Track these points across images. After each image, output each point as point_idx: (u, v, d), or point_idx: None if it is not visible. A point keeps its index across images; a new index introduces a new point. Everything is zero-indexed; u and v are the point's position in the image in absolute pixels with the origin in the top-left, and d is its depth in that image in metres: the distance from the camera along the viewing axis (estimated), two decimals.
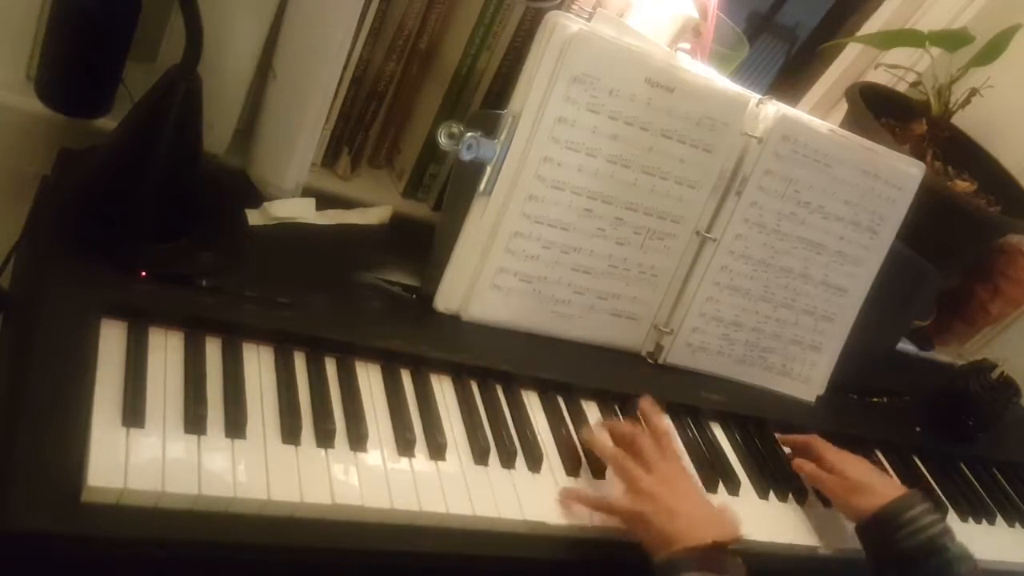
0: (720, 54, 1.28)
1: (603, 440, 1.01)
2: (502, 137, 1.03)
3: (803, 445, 1.17)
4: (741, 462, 1.15)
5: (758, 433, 1.21)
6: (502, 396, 1.04)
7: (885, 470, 1.29)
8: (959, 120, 1.52)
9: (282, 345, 0.94)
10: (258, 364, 0.92)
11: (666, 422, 1.06)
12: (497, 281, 1.08)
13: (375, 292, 1.06)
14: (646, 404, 1.06)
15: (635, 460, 0.98)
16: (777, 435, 1.21)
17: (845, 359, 1.29)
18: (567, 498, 0.96)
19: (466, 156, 1.02)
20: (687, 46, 1.21)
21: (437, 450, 0.93)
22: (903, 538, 1.02)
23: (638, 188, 1.11)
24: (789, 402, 1.28)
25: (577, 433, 1.04)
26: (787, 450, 1.20)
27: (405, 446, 0.92)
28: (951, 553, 1.01)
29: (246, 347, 0.92)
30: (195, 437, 0.82)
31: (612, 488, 1.01)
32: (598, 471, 1.01)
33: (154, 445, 0.79)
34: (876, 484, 1.09)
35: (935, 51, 1.47)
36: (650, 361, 1.21)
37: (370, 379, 0.97)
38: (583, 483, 1.00)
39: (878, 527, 1.04)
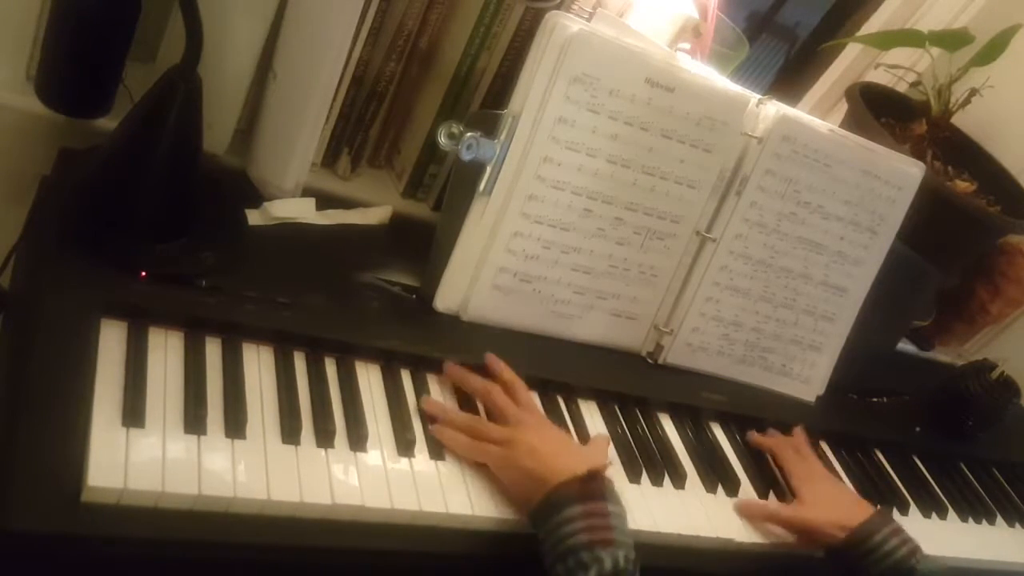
0: (720, 54, 1.28)
1: (448, 410, 0.97)
2: (502, 137, 1.03)
3: (769, 449, 1.16)
4: (741, 462, 1.15)
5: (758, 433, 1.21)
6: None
7: (885, 470, 1.29)
8: (959, 120, 1.52)
9: (282, 345, 0.94)
10: (258, 364, 0.92)
11: (511, 373, 1.02)
12: (497, 281, 1.08)
13: (375, 292, 1.06)
14: (490, 359, 1.03)
15: (489, 416, 0.98)
16: (751, 435, 1.17)
17: (845, 359, 1.29)
18: (440, 431, 0.94)
19: (466, 156, 1.02)
20: (687, 46, 1.21)
21: (437, 450, 0.93)
22: (870, 565, 1.01)
23: (638, 188, 1.11)
24: (789, 402, 1.28)
25: (422, 405, 0.98)
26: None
27: (405, 446, 0.92)
28: (919, 573, 1.00)
29: (246, 347, 0.92)
30: (195, 437, 0.82)
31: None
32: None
33: (154, 445, 0.79)
34: (838, 512, 1.05)
35: (935, 51, 1.47)
36: (650, 361, 1.21)
37: (370, 379, 0.97)
38: None
39: (845, 555, 1.02)
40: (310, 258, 1.07)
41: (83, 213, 0.94)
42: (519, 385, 1.01)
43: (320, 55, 1.02)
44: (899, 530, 1.03)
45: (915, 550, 1.01)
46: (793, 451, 1.15)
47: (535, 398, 1.06)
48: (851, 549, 1.02)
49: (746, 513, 1.07)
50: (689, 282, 1.18)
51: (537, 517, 0.87)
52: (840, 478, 1.21)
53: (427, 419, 0.96)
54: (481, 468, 0.94)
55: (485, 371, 1.03)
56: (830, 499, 1.08)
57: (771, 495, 1.12)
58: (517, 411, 0.97)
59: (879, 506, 1.10)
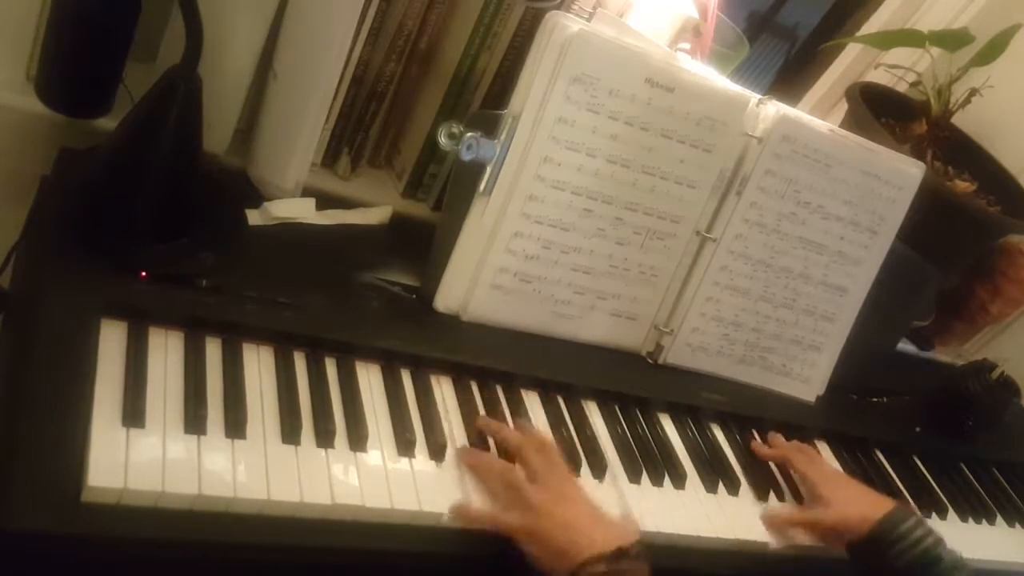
0: (720, 54, 1.28)
1: (486, 456, 0.95)
2: (502, 137, 1.03)
3: (779, 460, 1.16)
4: (740, 462, 1.15)
5: (758, 433, 1.21)
6: (502, 396, 1.04)
7: (885, 470, 1.29)
8: (959, 120, 1.52)
9: (282, 345, 0.94)
10: (258, 364, 0.92)
11: (545, 437, 0.99)
12: (497, 281, 1.08)
13: (375, 292, 1.06)
14: (520, 426, 1.00)
15: (523, 472, 0.93)
16: (755, 445, 1.17)
17: (845, 359, 1.29)
18: (458, 512, 0.90)
19: (466, 156, 1.02)
20: (687, 46, 1.21)
21: (437, 450, 0.93)
22: (896, 556, 1.00)
23: (638, 188, 1.11)
24: (789, 402, 1.28)
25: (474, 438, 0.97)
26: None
27: (405, 446, 0.92)
28: (945, 563, 1.00)
29: (246, 347, 0.92)
30: (195, 437, 0.82)
31: (609, 489, 1.01)
32: (599, 470, 1.01)
33: (154, 445, 0.79)
34: (861, 507, 1.05)
35: (935, 51, 1.47)
36: (650, 361, 1.21)
37: (370, 379, 0.97)
38: (584, 483, 0.99)
39: (870, 547, 1.02)
40: (310, 258, 1.07)
41: (83, 213, 0.94)
42: (554, 449, 0.97)
43: (320, 55, 1.02)
44: (922, 521, 1.03)
45: (940, 540, 1.01)
46: (802, 455, 1.16)
47: (537, 399, 1.07)
48: (877, 541, 1.01)
49: (775, 523, 1.08)
50: (689, 282, 1.18)
51: None
52: None
53: (475, 439, 0.96)
54: None
55: (484, 372, 1.03)
56: (851, 497, 1.08)
57: (771, 496, 1.12)
58: (553, 476, 0.92)
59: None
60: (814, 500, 1.09)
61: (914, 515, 1.04)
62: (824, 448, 1.26)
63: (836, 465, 1.24)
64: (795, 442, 1.19)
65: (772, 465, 1.17)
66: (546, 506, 0.89)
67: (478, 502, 0.91)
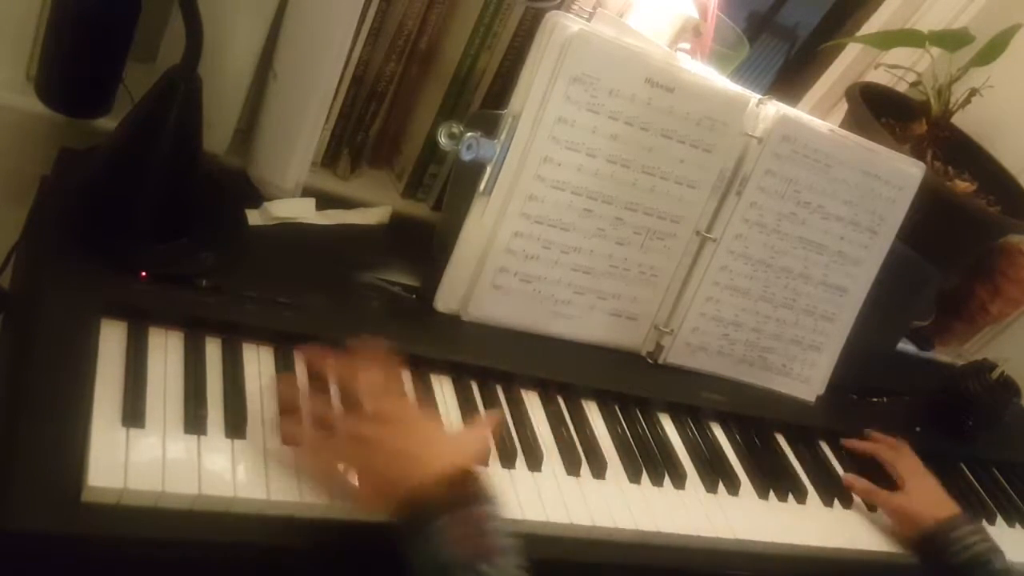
0: (720, 54, 1.28)
1: (301, 395, 0.88)
2: (502, 137, 1.03)
3: (871, 453, 1.24)
4: (741, 462, 1.15)
5: (758, 433, 1.21)
6: (502, 396, 1.04)
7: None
8: (959, 120, 1.52)
9: (282, 345, 0.94)
10: (258, 364, 0.92)
11: (378, 351, 0.91)
12: (497, 281, 1.08)
13: (375, 292, 1.06)
14: (353, 342, 0.91)
15: (350, 405, 0.87)
16: (845, 440, 1.26)
17: (845, 359, 1.29)
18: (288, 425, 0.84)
19: (466, 156, 1.02)
20: (687, 46, 1.21)
21: None
22: (950, 556, 1.08)
23: (638, 188, 1.11)
24: (789, 402, 1.28)
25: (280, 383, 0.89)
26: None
27: None
28: (995, 568, 1.06)
29: (246, 347, 0.92)
30: (195, 437, 0.82)
31: (610, 488, 1.01)
32: (599, 471, 1.01)
33: (154, 445, 0.79)
34: (933, 504, 1.14)
35: (935, 51, 1.47)
36: (650, 361, 1.21)
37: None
38: (584, 483, 1.00)
39: (929, 546, 1.10)
40: (310, 258, 1.07)
41: (83, 213, 0.94)
42: (386, 365, 0.90)
43: (320, 55, 1.02)
44: (982, 530, 1.11)
45: (994, 549, 1.09)
46: (893, 449, 1.24)
47: (537, 399, 1.07)
48: (937, 538, 1.09)
49: (855, 488, 1.18)
50: (689, 282, 1.18)
51: (401, 533, 0.77)
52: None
53: (281, 406, 0.86)
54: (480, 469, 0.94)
55: (484, 372, 1.03)
56: (929, 493, 1.17)
57: (771, 495, 1.12)
58: (382, 400, 0.86)
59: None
60: (898, 486, 1.18)
61: (974, 523, 1.12)
62: (825, 448, 1.26)
63: (837, 466, 1.24)
64: (889, 438, 1.26)
65: (771, 465, 1.17)
66: (379, 438, 0.82)
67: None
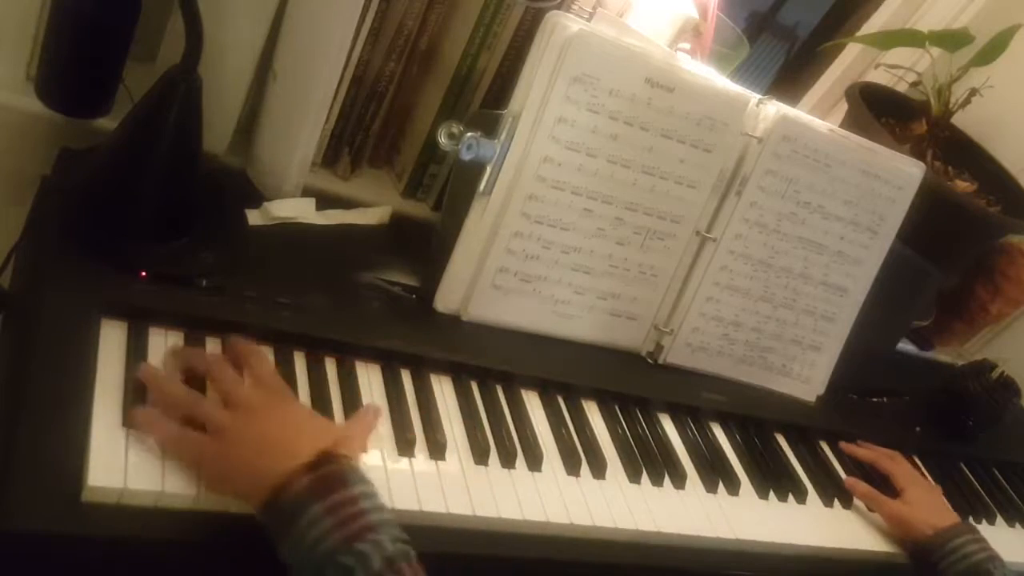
0: (720, 54, 1.28)
1: (164, 381, 0.81)
2: (502, 137, 1.03)
3: (870, 461, 1.24)
4: (741, 462, 1.15)
5: (758, 433, 1.21)
6: (502, 396, 1.04)
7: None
8: (959, 120, 1.52)
9: (282, 345, 0.94)
10: None
11: (249, 344, 0.86)
12: (497, 281, 1.08)
13: (375, 292, 1.06)
14: (233, 340, 0.86)
15: (214, 397, 0.80)
16: (842, 444, 1.26)
17: (845, 359, 1.29)
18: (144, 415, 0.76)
19: (466, 156, 1.02)
20: (687, 46, 1.21)
21: (437, 450, 0.93)
22: (950, 565, 1.07)
23: (638, 188, 1.11)
24: (789, 402, 1.28)
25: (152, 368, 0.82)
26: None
27: (405, 446, 0.92)
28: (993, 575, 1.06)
29: None
30: None
31: (610, 489, 1.01)
32: (599, 471, 1.01)
33: (154, 445, 0.79)
34: (933, 513, 1.14)
35: (935, 51, 1.47)
36: (650, 361, 1.21)
37: (370, 379, 0.97)
38: (584, 483, 1.00)
39: (928, 555, 1.10)
40: (310, 258, 1.07)
41: (83, 213, 0.94)
42: (255, 356, 0.84)
43: (320, 55, 1.02)
44: (981, 539, 1.11)
45: (994, 557, 1.08)
46: (893, 458, 1.24)
47: (537, 399, 1.06)
48: (935, 548, 1.09)
49: (856, 491, 1.17)
50: (689, 282, 1.18)
51: (272, 528, 0.72)
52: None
53: (138, 392, 0.79)
54: (481, 468, 0.94)
55: (484, 372, 1.03)
56: (928, 502, 1.17)
57: (771, 495, 1.12)
58: (246, 390, 0.80)
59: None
60: (896, 495, 1.18)
61: (972, 533, 1.11)
62: (825, 448, 1.26)
63: (838, 466, 1.24)
64: (886, 450, 1.27)
65: (771, 465, 1.17)
66: (235, 427, 0.76)
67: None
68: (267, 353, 0.92)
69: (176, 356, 0.85)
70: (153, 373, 0.81)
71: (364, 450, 0.83)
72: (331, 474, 0.73)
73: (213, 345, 0.90)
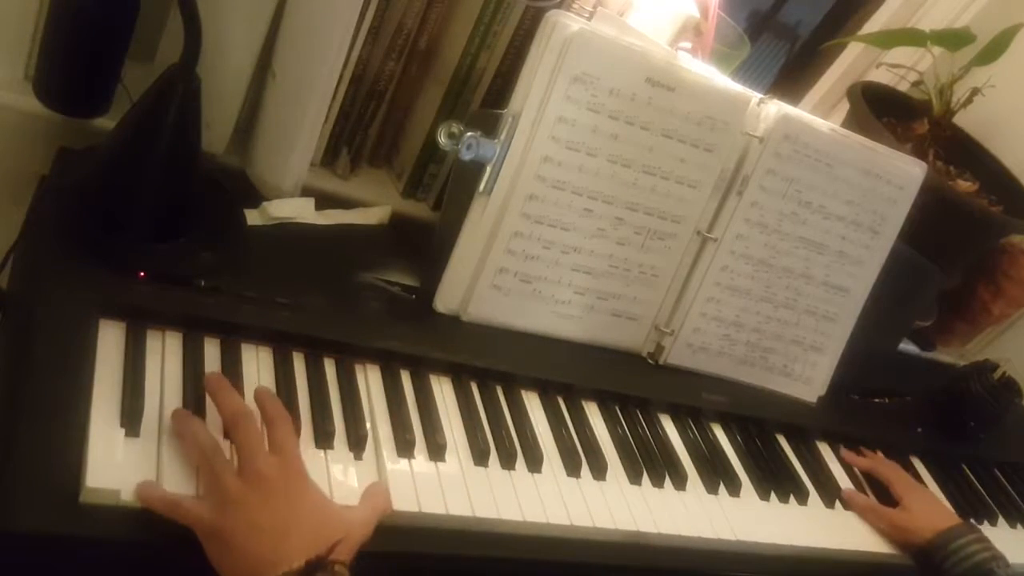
0: (721, 53, 1.27)
1: (194, 425, 0.79)
2: (502, 137, 1.03)
3: (867, 470, 1.23)
4: (742, 463, 1.15)
5: (759, 434, 1.21)
6: (502, 396, 1.04)
7: None
8: (961, 120, 1.51)
9: (281, 346, 0.94)
10: (257, 365, 0.91)
11: (280, 408, 0.82)
12: (497, 281, 1.08)
13: (375, 292, 1.06)
14: (259, 393, 0.83)
15: (235, 453, 0.78)
16: (843, 452, 1.25)
17: (846, 359, 1.28)
18: (141, 489, 0.74)
19: (466, 156, 1.01)
20: (688, 45, 1.21)
21: (437, 451, 0.93)
22: (950, 567, 1.07)
23: (639, 188, 1.10)
24: (790, 403, 1.27)
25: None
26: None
27: (405, 447, 0.91)
28: (997, 574, 1.05)
29: (245, 348, 0.92)
30: None
31: (610, 489, 1.00)
32: (599, 472, 1.01)
33: (152, 446, 0.79)
34: (934, 517, 1.14)
35: (937, 50, 1.47)
36: (651, 362, 1.20)
37: (369, 380, 0.97)
38: (584, 484, 0.99)
39: (931, 557, 1.09)
40: (309, 258, 1.07)
41: (82, 213, 0.93)
42: (282, 422, 0.80)
43: (319, 54, 1.02)
44: (984, 538, 1.10)
45: (997, 556, 1.08)
46: (891, 467, 1.24)
47: (537, 399, 1.06)
48: (936, 550, 1.09)
49: (853, 505, 1.17)
50: (690, 282, 1.18)
51: None
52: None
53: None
54: (480, 469, 0.94)
55: (484, 372, 1.03)
56: (927, 507, 1.17)
57: (772, 496, 1.12)
58: (264, 463, 0.76)
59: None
60: (895, 503, 1.17)
61: (975, 533, 1.11)
62: (825, 449, 1.26)
63: (838, 467, 1.24)
64: (883, 458, 1.27)
65: (772, 465, 1.17)
66: (238, 499, 0.73)
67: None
68: (267, 353, 0.93)
69: (208, 386, 0.82)
70: (186, 421, 0.79)
71: (368, 535, 0.79)
72: None
73: (212, 346, 0.90)
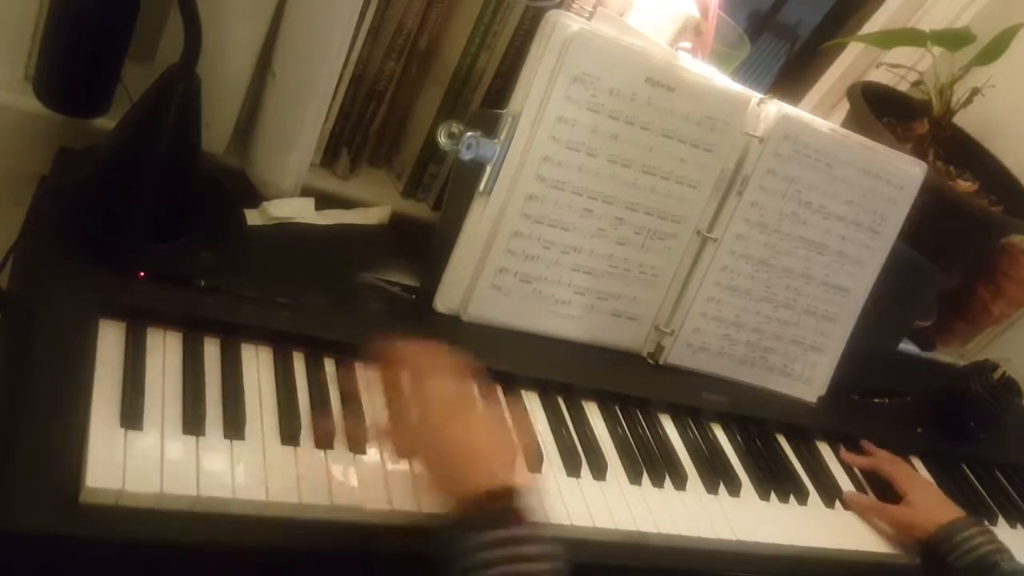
0: (721, 53, 1.27)
1: (383, 367, 0.88)
2: (502, 137, 1.03)
3: (869, 468, 1.23)
4: (742, 463, 1.15)
5: (759, 434, 1.21)
6: (502, 396, 1.04)
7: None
8: (961, 120, 1.51)
9: (281, 345, 0.94)
10: (257, 365, 0.91)
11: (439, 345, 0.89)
12: (497, 281, 1.08)
13: (375, 292, 1.06)
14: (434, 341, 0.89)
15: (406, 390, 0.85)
16: (843, 453, 1.25)
17: (846, 359, 1.28)
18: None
19: (466, 156, 1.01)
20: (688, 45, 1.21)
21: None
22: (954, 560, 1.07)
23: (639, 188, 1.10)
24: (790, 403, 1.27)
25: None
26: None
27: None
28: (1001, 569, 1.05)
29: (245, 348, 0.92)
30: (194, 438, 0.82)
31: (610, 489, 1.00)
32: (599, 472, 1.01)
33: (152, 446, 0.79)
34: (937, 511, 1.13)
35: (937, 50, 1.47)
36: (651, 362, 1.20)
37: (369, 380, 0.97)
38: (584, 484, 0.99)
39: (935, 550, 1.09)
40: (309, 258, 1.07)
41: (82, 213, 0.93)
42: (446, 358, 0.88)
43: (319, 54, 1.01)
44: (988, 531, 1.10)
45: (1001, 549, 1.07)
46: (891, 462, 1.24)
47: (537, 399, 1.06)
48: (941, 543, 1.09)
49: (854, 506, 1.17)
50: (690, 282, 1.18)
51: (440, 538, 0.78)
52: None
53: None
54: None
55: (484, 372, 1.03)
56: (931, 501, 1.17)
57: (772, 496, 1.12)
58: (444, 391, 0.84)
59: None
60: (898, 499, 1.17)
61: (979, 526, 1.11)
62: (826, 449, 1.26)
63: (838, 467, 1.24)
64: (884, 452, 1.26)
65: (772, 465, 1.16)
66: (423, 429, 0.82)
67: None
68: (268, 353, 0.93)
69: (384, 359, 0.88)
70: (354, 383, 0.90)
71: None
72: (511, 510, 0.77)
73: (212, 346, 0.90)
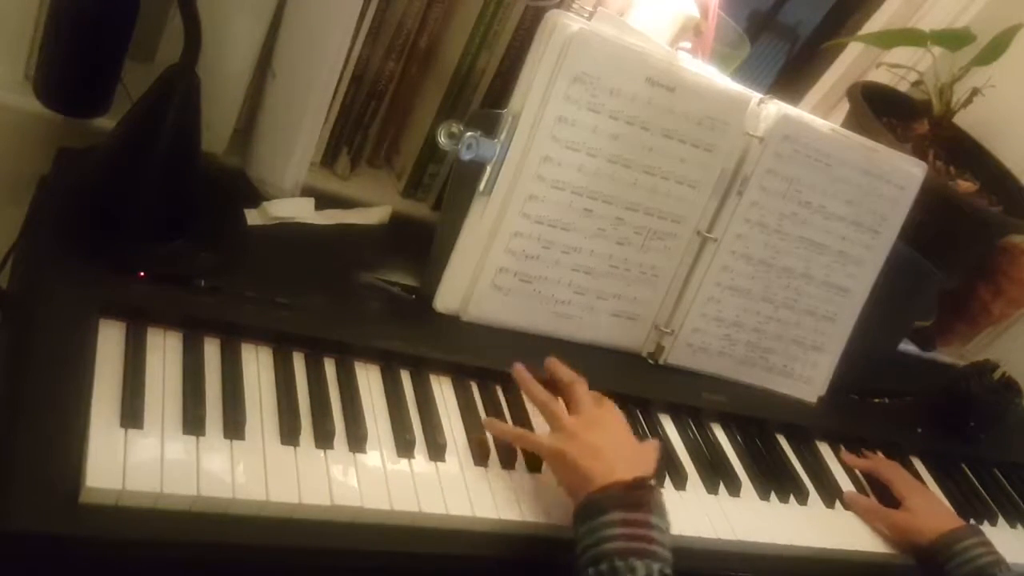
0: (721, 53, 1.27)
1: (536, 387, 1.00)
2: (502, 137, 1.03)
3: (868, 471, 1.23)
4: (742, 463, 1.15)
5: (759, 434, 1.21)
6: (502, 396, 1.04)
7: None
8: (961, 120, 1.51)
9: (281, 345, 0.94)
10: (257, 365, 0.91)
11: (573, 373, 1.03)
12: (497, 281, 1.08)
13: (375, 292, 1.06)
14: (550, 363, 1.04)
15: (564, 403, 0.99)
16: (843, 454, 1.25)
17: (847, 359, 1.28)
18: (489, 424, 0.97)
19: (466, 156, 1.01)
20: (688, 45, 1.21)
21: (437, 451, 0.93)
22: (953, 569, 1.07)
23: (639, 188, 1.10)
24: (790, 403, 1.27)
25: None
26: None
27: (405, 447, 0.91)
28: None
29: (245, 347, 0.92)
30: (194, 438, 0.82)
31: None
32: None
33: (152, 446, 0.79)
34: (937, 518, 1.13)
35: (937, 50, 1.47)
36: (651, 362, 1.20)
37: (369, 380, 0.97)
38: None
39: (933, 559, 1.09)
40: (309, 258, 1.07)
41: (81, 213, 0.93)
42: (582, 383, 1.01)
43: (319, 54, 1.01)
44: (987, 542, 1.10)
45: (1000, 561, 1.08)
46: (891, 468, 1.24)
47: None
48: (940, 552, 1.08)
49: (854, 508, 1.16)
50: (690, 282, 1.18)
51: (577, 516, 0.87)
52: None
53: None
54: (480, 470, 0.94)
55: (484, 372, 1.03)
56: (930, 508, 1.17)
57: (772, 496, 1.12)
58: (594, 409, 0.97)
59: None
60: (898, 504, 1.17)
61: (979, 536, 1.10)
62: (826, 449, 1.26)
63: (838, 467, 1.24)
64: (885, 459, 1.27)
65: (772, 465, 1.16)
66: (576, 431, 0.93)
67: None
68: (268, 353, 0.93)
69: (550, 365, 1.03)
70: (523, 374, 1.00)
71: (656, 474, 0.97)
72: (642, 497, 0.86)
73: (212, 345, 0.90)
